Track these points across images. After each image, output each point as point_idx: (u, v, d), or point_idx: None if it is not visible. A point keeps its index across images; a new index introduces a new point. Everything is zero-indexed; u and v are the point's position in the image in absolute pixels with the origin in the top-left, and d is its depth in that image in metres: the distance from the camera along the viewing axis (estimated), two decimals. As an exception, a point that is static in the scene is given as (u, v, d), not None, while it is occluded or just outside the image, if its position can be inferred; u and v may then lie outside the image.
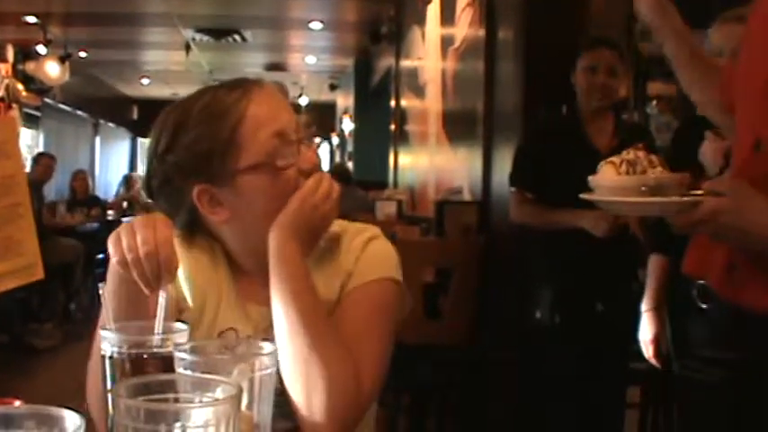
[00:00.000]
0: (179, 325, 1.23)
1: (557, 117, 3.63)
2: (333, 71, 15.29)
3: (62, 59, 11.09)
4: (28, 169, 9.41)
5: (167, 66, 14.81)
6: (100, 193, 15.92)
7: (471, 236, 4.69)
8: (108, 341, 1.18)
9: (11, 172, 1.06)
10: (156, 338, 1.18)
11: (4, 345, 7.08)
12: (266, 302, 1.47)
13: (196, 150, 1.49)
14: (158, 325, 1.24)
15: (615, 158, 1.55)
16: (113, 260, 1.35)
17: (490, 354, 4.26)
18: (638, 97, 8.21)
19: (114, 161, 18.95)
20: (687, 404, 2.53)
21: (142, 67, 15.50)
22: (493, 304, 4.19)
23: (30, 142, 12.91)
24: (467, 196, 5.46)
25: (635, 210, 1.65)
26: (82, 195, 10.11)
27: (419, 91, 8.21)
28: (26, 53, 11.59)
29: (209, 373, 1.01)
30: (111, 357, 1.17)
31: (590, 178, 1.58)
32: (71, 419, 0.77)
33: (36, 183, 8.49)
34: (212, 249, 1.61)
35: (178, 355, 1.05)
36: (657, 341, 3.03)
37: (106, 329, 1.20)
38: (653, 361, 3.07)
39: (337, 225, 1.62)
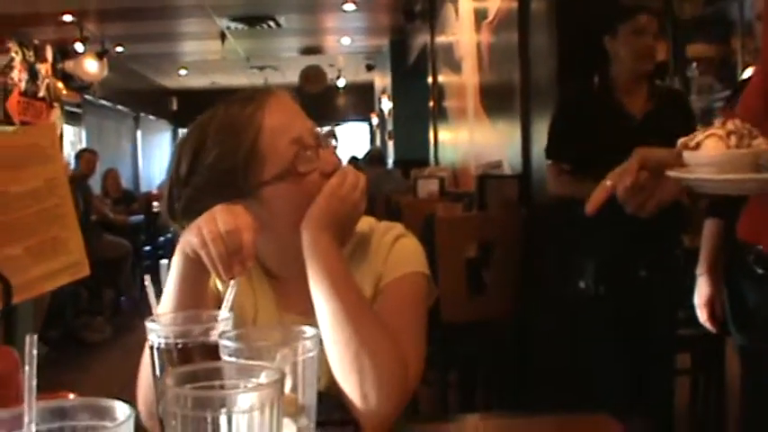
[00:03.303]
0: (223, 313, 1.26)
1: (589, 86, 3.61)
2: (369, 51, 15.28)
3: (100, 56, 11.21)
4: (72, 166, 9.58)
5: (204, 56, 14.89)
6: (143, 185, 16.11)
7: (513, 209, 4.69)
8: (155, 332, 1.21)
9: (54, 175, 1.10)
10: (200, 328, 1.21)
11: (57, 339, 7.20)
12: (305, 312, 1.49)
13: (219, 169, 1.51)
14: (225, 309, 1.27)
15: (716, 130, 1.42)
16: (197, 249, 1.37)
17: (536, 325, 4.26)
18: (677, 60, 8.12)
19: (156, 153, 19.13)
20: (755, 375, 2.50)
21: (179, 58, 15.61)
22: (536, 276, 4.19)
23: (73, 138, 13.07)
24: (507, 170, 5.45)
25: (750, 188, 1.46)
26: (115, 194, 10.18)
27: (455, 66, 8.19)
28: (64, 52, 11.73)
29: (253, 359, 1.04)
30: (158, 348, 1.21)
31: (687, 154, 1.42)
32: (121, 410, 0.80)
33: (80, 178, 8.61)
34: None
35: (222, 343, 1.08)
36: (712, 305, 3.00)
37: (152, 321, 1.23)
38: (707, 325, 3.04)
39: (365, 223, 1.64)
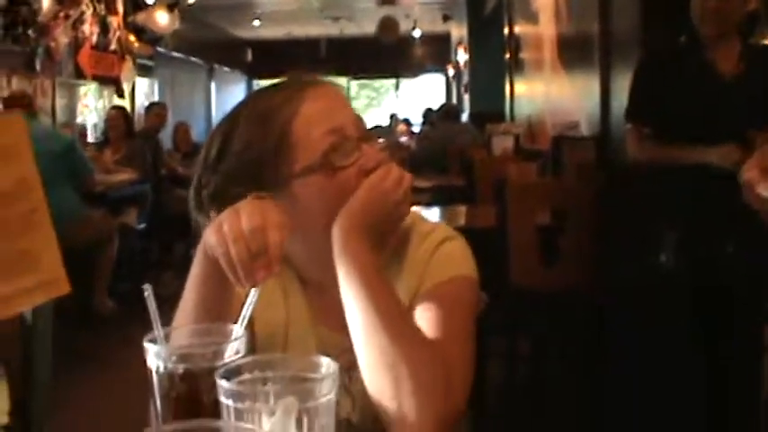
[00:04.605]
0: (236, 329, 1.08)
1: (675, 41, 3.33)
2: (445, 1, 14.95)
3: (170, 7, 11.11)
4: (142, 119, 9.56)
5: (278, 6, 14.75)
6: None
7: (589, 174, 4.44)
8: (154, 354, 1.04)
9: (22, 175, 0.91)
10: (207, 350, 1.04)
11: (127, 293, 7.19)
12: (341, 328, 1.30)
13: (247, 156, 1.35)
14: (241, 324, 1.11)
15: None
16: (216, 250, 1.18)
17: (611, 299, 4.03)
18: (770, 13, 7.69)
19: (231, 105, 19.02)
20: None
21: (253, 8, 15.48)
22: (614, 247, 3.95)
23: (146, 90, 13.09)
24: (584, 130, 5.20)
25: None
26: (185, 148, 9.98)
27: (533, 17, 7.92)
28: (136, 4, 11.66)
29: (252, 403, 0.88)
30: (157, 372, 1.04)
31: None
32: None
33: (149, 132, 8.60)
34: (280, 271, 1.40)
35: (219, 382, 0.90)
36: None
37: (151, 340, 1.06)
38: None
39: (407, 220, 1.43)
